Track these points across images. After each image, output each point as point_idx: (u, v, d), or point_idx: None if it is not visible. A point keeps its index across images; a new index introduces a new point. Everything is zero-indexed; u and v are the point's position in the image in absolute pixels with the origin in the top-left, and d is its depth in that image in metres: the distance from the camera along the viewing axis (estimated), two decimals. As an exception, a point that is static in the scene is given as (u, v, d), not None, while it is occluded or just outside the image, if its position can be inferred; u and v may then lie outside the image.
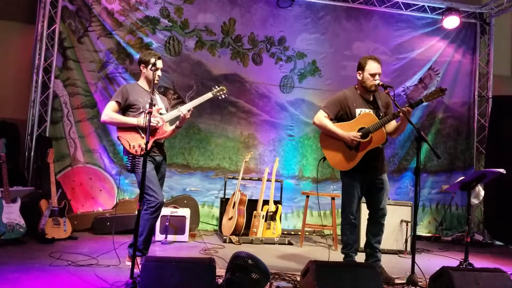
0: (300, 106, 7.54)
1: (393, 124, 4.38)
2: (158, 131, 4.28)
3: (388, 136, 4.43)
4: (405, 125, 4.31)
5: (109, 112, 4.23)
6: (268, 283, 3.67)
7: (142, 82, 4.43)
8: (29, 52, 6.69)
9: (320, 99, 7.33)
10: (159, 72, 4.31)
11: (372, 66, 4.35)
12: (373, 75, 4.33)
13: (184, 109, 4.31)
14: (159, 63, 4.33)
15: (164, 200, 6.42)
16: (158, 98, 4.48)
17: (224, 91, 4.64)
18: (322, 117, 4.42)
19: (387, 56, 7.73)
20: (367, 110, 4.37)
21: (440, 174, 7.94)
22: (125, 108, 4.31)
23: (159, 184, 4.29)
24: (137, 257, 4.06)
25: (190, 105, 4.39)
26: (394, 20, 7.84)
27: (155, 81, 4.30)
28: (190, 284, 3.01)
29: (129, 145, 4.16)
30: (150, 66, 4.26)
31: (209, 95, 4.53)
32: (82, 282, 3.70)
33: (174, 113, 4.38)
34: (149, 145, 4.13)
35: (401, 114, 4.12)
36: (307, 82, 7.58)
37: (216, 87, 4.64)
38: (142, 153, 3.95)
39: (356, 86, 4.51)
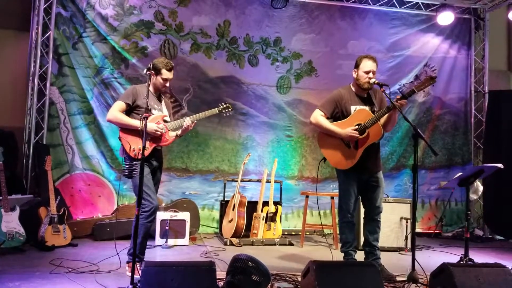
0: (297, 107, 7.54)
1: (384, 117, 4.36)
2: (160, 138, 4.28)
3: (383, 130, 4.43)
4: (396, 114, 4.30)
5: (116, 112, 4.21)
6: (269, 284, 3.67)
7: (150, 86, 4.39)
8: (24, 59, 6.68)
9: (317, 99, 7.28)
10: (167, 83, 4.35)
11: (366, 64, 4.38)
12: (367, 72, 4.35)
13: (188, 120, 4.34)
14: (170, 74, 4.32)
15: (164, 204, 6.49)
16: (163, 104, 4.49)
17: (230, 109, 4.75)
18: (318, 116, 4.44)
19: (383, 54, 7.73)
20: (362, 107, 4.38)
21: (439, 170, 7.94)
22: (131, 108, 4.29)
23: (154, 188, 4.28)
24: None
25: (195, 117, 4.43)
26: (389, 18, 7.85)
27: (162, 90, 4.40)
28: (190, 288, 3.00)
29: (130, 147, 4.15)
30: (160, 75, 4.27)
31: (214, 111, 4.64)
32: (82, 289, 3.70)
33: (178, 122, 4.39)
34: (149, 151, 4.15)
35: (396, 105, 4.11)
36: (304, 82, 7.58)
37: (223, 104, 4.74)
38: (140, 157, 3.94)
39: (351, 84, 4.53)
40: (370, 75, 4.34)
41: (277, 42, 7.48)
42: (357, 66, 4.44)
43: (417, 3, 7.76)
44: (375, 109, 4.39)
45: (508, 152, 7.17)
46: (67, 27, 6.70)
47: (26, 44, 6.65)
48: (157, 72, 4.27)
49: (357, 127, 4.29)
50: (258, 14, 7.41)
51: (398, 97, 4.16)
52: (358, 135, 4.26)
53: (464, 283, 3.31)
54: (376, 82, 4.30)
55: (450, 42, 8.06)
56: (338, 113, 4.45)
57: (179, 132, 4.40)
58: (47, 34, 6.58)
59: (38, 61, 6.50)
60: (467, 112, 8.14)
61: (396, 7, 7.75)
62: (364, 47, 7.66)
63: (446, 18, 7.68)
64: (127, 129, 4.21)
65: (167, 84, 4.37)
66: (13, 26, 6.79)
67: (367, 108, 4.40)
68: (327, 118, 4.45)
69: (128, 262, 4.24)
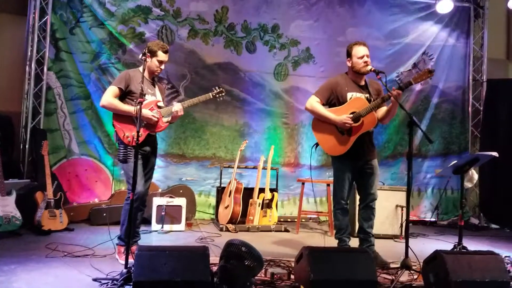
0: (294, 94, 7.52)
1: (384, 109, 4.39)
2: (154, 125, 4.27)
3: (380, 123, 4.47)
4: (396, 108, 4.31)
5: (110, 97, 4.17)
6: (263, 269, 3.70)
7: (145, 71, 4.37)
8: (21, 44, 6.66)
9: (315, 86, 7.14)
10: (162, 66, 4.32)
11: (359, 50, 4.39)
12: (361, 57, 4.36)
13: (178, 106, 4.34)
14: (165, 56, 4.31)
15: (160, 190, 6.51)
16: (157, 89, 4.47)
17: (223, 94, 4.74)
18: (314, 102, 4.44)
19: (381, 42, 7.70)
20: (358, 94, 4.39)
21: (435, 159, 7.95)
22: (124, 94, 4.26)
23: (142, 175, 4.25)
24: (120, 247, 4.18)
25: (190, 102, 4.44)
26: (388, 5, 7.80)
27: (156, 73, 4.35)
28: (184, 272, 3.02)
29: (124, 134, 4.14)
30: (155, 57, 4.25)
31: (208, 96, 4.62)
32: (78, 272, 3.72)
33: (171, 108, 4.37)
34: (142, 138, 4.15)
35: (391, 95, 4.13)
36: (301, 69, 7.56)
37: (216, 88, 4.72)
38: (134, 144, 3.94)
39: (347, 72, 4.53)
40: (365, 58, 4.36)
41: (275, 28, 7.45)
42: (349, 54, 4.46)
43: (417, -10, 7.73)
44: (371, 99, 4.39)
45: (505, 141, 7.19)
46: (64, 12, 6.66)
47: (23, 29, 6.63)
48: (153, 54, 4.24)
49: (351, 115, 4.29)
50: (256, 0, 7.36)
51: (394, 88, 4.15)
52: (352, 123, 4.27)
53: (456, 270, 3.32)
54: (372, 69, 4.29)
55: (449, 30, 8.02)
56: (333, 100, 4.45)
57: (169, 119, 4.38)
58: (44, 19, 6.54)
59: (35, 45, 6.48)
60: (464, 101, 8.13)
61: (396, -6, 7.71)
62: (362, 34, 7.60)
63: (445, 6, 7.65)
64: (120, 116, 4.19)
65: (162, 67, 4.33)
66: (10, 10, 6.75)
67: (363, 95, 4.40)
68: (323, 104, 4.46)
69: (118, 244, 4.27)
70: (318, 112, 4.42)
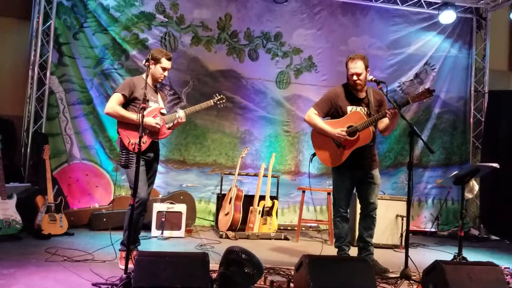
0: (296, 102, 7.54)
1: (384, 121, 4.41)
2: (158, 132, 4.29)
3: (381, 134, 4.56)
4: (394, 123, 4.38)
5: (114, 105, 4.19)
6: (263, 277, 3.70)
7: (148, 78, 4.37)
8: (24, 48, 6.69)
9: (316, 95, 7.27)
10: (165, 73, 4.34)
11: (350, 66, 4.44)
12: (351, 75, 4.40)
13: (182, 113, 4.35)
14: (169, 64, 4.33)
15: (161, 195, 6.51)
16: (159, 96, 4.48)
17: (224, 100, 4.80)
18: (312, 115, 4.53)
19: (383, 51, 7.72)
20: (358, 108, 4.44)
21: (437, 169, 7.94)
22: (129, 101, 4.27)
23: (146, 181, 4.26)
24: (123, 252, 4.16)
25: (192, 110, 4.47)
26: (391, 15, 7.83)
27: (160, 79, 4.36)
28: (183, 278, 3.02)
29: (129, 141, 4.14)
30: (159, 64, 4.26)
31: (210, 103, 4.67)
32: (77, 277, 3.71)
33: (174, 115, 4.39)
34: (147, 145, 4.17)
35: (387, 114, 4.17)
36: (303, 77, 7.58)
37: (217, 95, 4.79)
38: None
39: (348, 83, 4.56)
40: (354, 77, 4.39)
41: (278, 37, 7.47)
42: (346, 67, 4.49)
43: (419, 1, 7.74)
44: (371, 112, 4.42)
45: (506, 152, 7.17)
46: (68, 17, 6.69)
47: (27, 33, 6.66)
48: (157, 61, 4.25)
49: (348, 129, 4.34)
50: (259, 8, 7.40)
51: (394, 106, 4.17)
52: (346, 137, 4.32)
53: (455, 281, 3.33)
54: (373, 79, 4.33)
55: (451, 41, 8.04)
56: (333, 112, 4.54)
57: (171, 125, 4.39)
58: (48, 23, 6.58)
59: (38, 50, 6.52)
60: (466, 112, 8.13)
61: (398, 4, 7.72)
62: (365, 44, 7.65)
63: (448, 16, 7.67)
64: (125, 123, 4.19)
65: (166, 74, 4.35)
66: (14, 14, 6.79)
67: (362, 109, 4.44)
68: (322, 117, 4.52)
69: (120, 250, 4.27)
70: (315, 124, 4.50)
